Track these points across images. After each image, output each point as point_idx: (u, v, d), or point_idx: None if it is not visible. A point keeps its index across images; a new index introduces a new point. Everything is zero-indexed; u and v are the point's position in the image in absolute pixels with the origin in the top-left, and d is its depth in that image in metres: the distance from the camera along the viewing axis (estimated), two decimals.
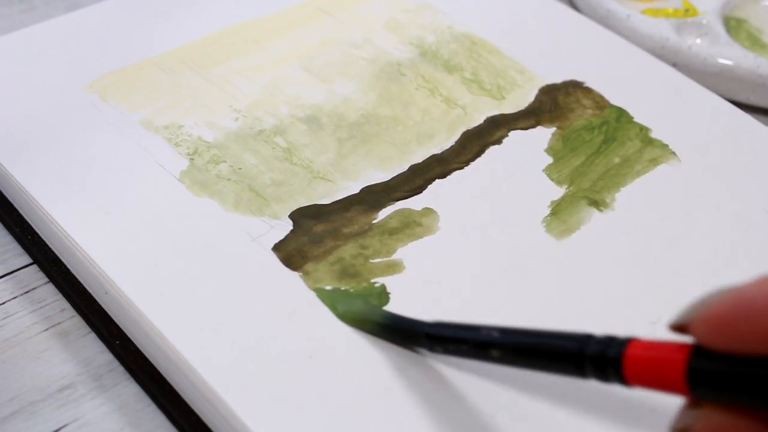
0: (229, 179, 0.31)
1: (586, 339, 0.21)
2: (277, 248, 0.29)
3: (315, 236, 0.29)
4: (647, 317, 0.28)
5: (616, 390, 0.26)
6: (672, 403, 0.21)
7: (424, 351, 0.26)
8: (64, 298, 0.30)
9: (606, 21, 0.41)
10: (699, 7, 0.43)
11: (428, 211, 0.31)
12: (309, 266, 0.28)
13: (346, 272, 0.28)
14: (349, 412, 0.25)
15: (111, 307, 0.28)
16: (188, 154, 0.32)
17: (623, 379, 0.20)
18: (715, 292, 0.20)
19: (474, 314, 0.27)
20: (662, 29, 0.40)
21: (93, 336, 0.29)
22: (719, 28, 0.40)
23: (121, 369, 0.28)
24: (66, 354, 0.28)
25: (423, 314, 0.26)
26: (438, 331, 0.25)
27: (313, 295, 0.27)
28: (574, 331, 0.22)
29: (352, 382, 0.25)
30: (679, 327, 0.21)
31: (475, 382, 0.26)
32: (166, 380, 0.27)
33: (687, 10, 0.43)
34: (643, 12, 0.42)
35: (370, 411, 0.25)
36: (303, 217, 0.30)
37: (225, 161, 0.31)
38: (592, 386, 0.26)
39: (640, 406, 0.25)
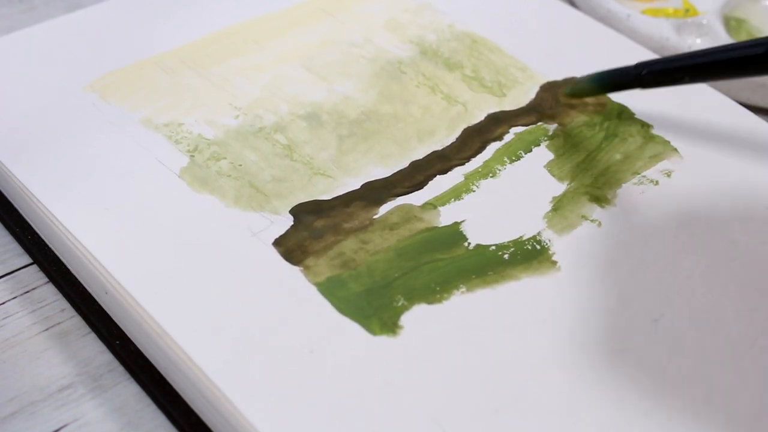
0: (229, 176, 0.31)
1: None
2: (278, 243, 0.29)
3: (315, 231, 0.29)
4: (649, 314, 0.28)
5: (615, 390, 0.26)
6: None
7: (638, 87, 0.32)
8: (64, 298, 0.30)
9: (606, 21, 0.41)
10: (699, 7, 0.43)
11: (429, 207, 0.31)
12: (310, 261, 0.28)
13: (347, 266, 0.28)
14: (351, 408, 0.24)
15: (111, 307, 0.28)
16: (188, 151, 0.32)
17: None
18: None
19: (472, 311, 0.27)
20: (662, 29, 0.40)
21: (93, 336, 0.28)
22: (719, 28, 0.40)
23: (121, 369, 0.28)
24: (66, 354, 0.28)
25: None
26: (648, 67, 0.31)
27: (314, 289, 0.27)
28: (756, 39, 0.28)
29: (353, 377, 0.25)
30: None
31: (476, 377, 0.26)
32: (166, 380, 0.26)
33: (687, 10, 0.43)
34: (643, 12, 0.42)
35: (371, 406, 0.25)
36: (303, 212, 0.30)
37: (225, 158, 0.31)
38: (591, 386, 0.26)
39: (637, 407, 0.25)
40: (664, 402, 0.25)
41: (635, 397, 0.25)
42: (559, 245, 0.30)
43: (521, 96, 0.35)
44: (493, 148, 0.33)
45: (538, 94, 0.36)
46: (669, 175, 0.33)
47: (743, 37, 0.42)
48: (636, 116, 0.35)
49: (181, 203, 0.30)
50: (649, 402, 0.25)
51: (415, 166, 0.32)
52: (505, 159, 0.33)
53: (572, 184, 0.32)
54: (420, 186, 0.31)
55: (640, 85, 0.32)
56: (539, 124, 0.34)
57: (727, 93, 0.37)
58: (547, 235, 0.30)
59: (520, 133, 0.34)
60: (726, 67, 0.29)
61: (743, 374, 0.26)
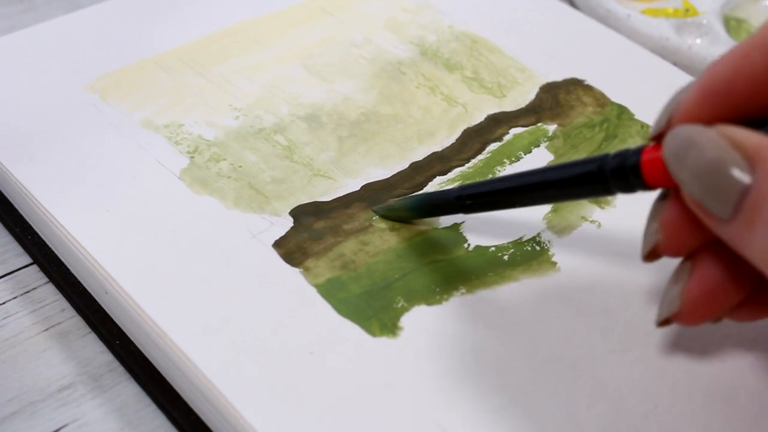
0: (229, 177, 0.31)
1: (603, 158, 0.24)
2: (278, 245, 0.29)
3: (315, 233, 0.29)
4: (648, 314, 0.28)
5: (614, 390, 0.26)
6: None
7: (460, 214, 0.29)
8: (64, 298, 0.30)
9: (606, 21, 0.41)
10: (699, 7, 0.43)
11: None
12: (310, 262, 0.28)
13: (347, 268, 0.28)
14: (351, 409, 0.25)
15: (111, 307, 0.28)
16: (188, 152, 0.32)
17: (645, 184, 0.23)
18: (676, 93, 0.23)
19: (472, 313, 0.27)
20: (662, 29, 0.40)
21: (93, 336, 0.28)
22: (719, 28, 0.40)
23: (121, 369, 0.28)
24: (66, 354, 0.28)
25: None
26: (465, 191, 0.27)
27: (314, 291, 0.27)
28: (588, 156, 0.25)
29: (353, 378, 0.25)
30: (657, 137, 0.23)
31: (476, 378, 0.26)
32: (166, 380, 0.27)
33: (687, 10, 0.43)
34: (643, 12, 0.42)
35: (371, 407, 0.25)
36: (303, 213, 0.30)
37: (225, 159, 0.31)
38: (591, 386, 0.26)
39: (637, 407, 0.25)
40: (664, 402, 0.25)
41: (635, 397, 0.26)
42: (558, 246, 0.30)
43: (521, 97, 0.35)
44: (492, 149, 0.33)
45: (537, 95, 0.36)
46: None
47: (743, 37, 0.42)
48: (636, 117, 0.35)
49: (181, 204, 0.30)
50: (649, 402, 0.25)
51: (415, 167, 0.32)
52: (505, 160, 0.33)
53: None
54: (420, 187, 0.31)
55: (464, 210, 0.28)
56: (539, 125, 0.34)
57: None
58: (547, 236, 0.30)
59: (520, 134, 0.34)
60: (554, 188, 0.25)
61: (743, 374, 0.26)
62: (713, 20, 0.41)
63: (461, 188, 0.28)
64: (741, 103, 0.21)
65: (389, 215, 0.30)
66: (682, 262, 0.24)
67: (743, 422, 0.25)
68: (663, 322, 0.24)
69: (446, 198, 0.28)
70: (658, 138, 0.23)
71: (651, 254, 0.24)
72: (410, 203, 0.29)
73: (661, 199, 0.24)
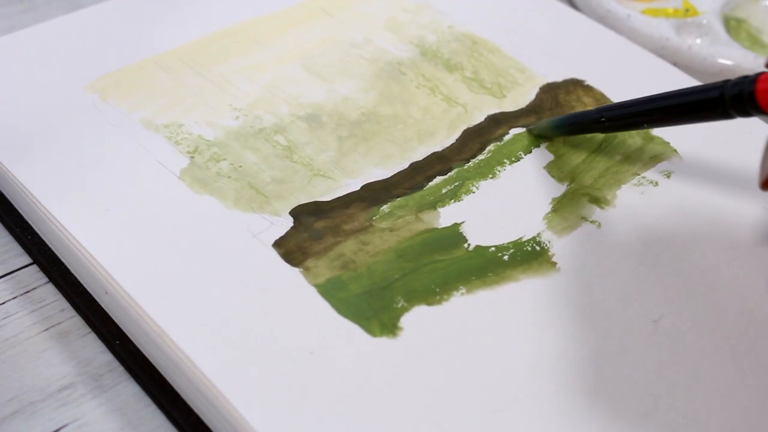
0: (229, 177, 0.31)
1: (723, 85, 0.27)
2: (278, 244, 0.29)
3: (315, 233, 0.29)
4: (649, 315, 0.28)
5: (614, 390, 0.26)
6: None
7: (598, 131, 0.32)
8: (64, 298, 0.30)
9: (606, 21, 0.41)
10: (699, 7, 0.43)
11: (428, 208, 0.30)
12: (310, 262, 0.28)
13: (347, 268, 0.28)
14: (351, 409, 0.24)
15: (111, 307, 0.28)
16: (188, 152, 0.32)
17: (761, 109, 0.26)
18: None
19: (472, 313, 0.27)
20: (662, 29, 0.40)
21: (93, 336, 0.28)
22: (719, 28, 0.41)
23: (121, 369, 0.28)
24: (66, 354, 0.28)
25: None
26: (603, 113, 0.31)
27: (314, 290, 0.27)
28: (710, 83, 0.28)
29: (353, 378, 0.25)
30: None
31: (476, 378, 0.26)
32: (166, 380, 0.27)
33: (687, 10, 0.43)
34: (643, 12, 0.42)
35: (371, 407, 0.25)
36: (303, 213, 0.30)
37: (225, 159, 0.31)
38: (590, 386, 0.26)
39: (637, 407, 0.25)
40: (663, 402, 0.25)
41: (635, 397, 0.26)
42: (558, 246, 0.30)
43: (521, 97, 0.35)
44: (492, 149, 0.33)
45: (537, 96, 0.36)
46: (669, 176, 0.33)
47: (743, 36, 0.42)
48: None
49: (181, 204, 0.30)
50: (648, 402, 0.25)
51: (415, 167, 0.32)
52: (505, 160, 0.33)
53: (572, 186, 0.32)
54: (420, 187, 0.31)
55: (602, 129, 0.32)
56: None
57: None
58: (547, 236, 0.30)
59: (520, 134, 0.34)
60: (680, 112, 0.29)
61: (743, 374, 0.26)
62: (713, 20, 0.41)
63: (600, 109, 0.32)
64: None
65: (542, 133, 0.33)
66: None
67: (743, 422, 0.25)
68: (764, 184, 0.26)
69: (587, 117, 0.32)
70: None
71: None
72: (557, 121, 0.33)
73: None
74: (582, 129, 0.33)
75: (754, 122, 0.35)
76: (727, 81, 0.27)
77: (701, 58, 0.39)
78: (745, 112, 0.26)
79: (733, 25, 0.43)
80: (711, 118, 0.28)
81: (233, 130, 0.33)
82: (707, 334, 0.27)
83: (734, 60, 0.39)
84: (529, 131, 0.33)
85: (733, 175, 0.33)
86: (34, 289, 0.30)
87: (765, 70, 0.26)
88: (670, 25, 0.40)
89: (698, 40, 0.40)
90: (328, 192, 0.31)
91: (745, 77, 0.26)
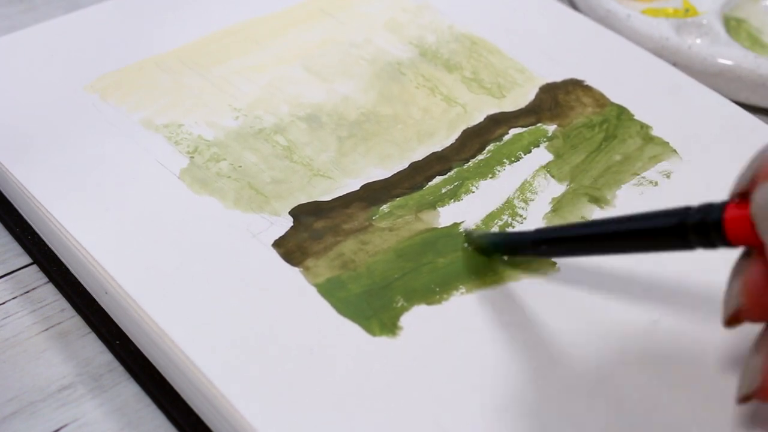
0: (229, 177, 0.31)
1: (684, 212, 0.22)
2: (278, 244, 0.29)
3: (315, 232, 0.29)
4: (648, 316, 0.28)
5: (615, 390, 0.26)
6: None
7: (535, 256, 0.28)
8: (64, 298, 0.30)
9: (606, 21, 0.41)
10: (699, 7, 0.43)
11: (428, 208, 0.30)
12: (309, 262, 0.28)
13: (347, 267, 0.28)
14: (350, 408, 0.25)
15: (111, 307, 0.28)
16: (188, 152, 0.32)
17: (728, 242, 0.21)
18: (759, 152, 0.21)
19: (472, 312, 0.27)
20: (662, 29, 0.40)
21: (93, 336, 0.28)
22: (719, 28, 0.40)
23: (121, 369, 0.28)
24: (66, 354, 0.28)
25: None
26: (541, 236, 0.27)
27: (313, 290, 0.27)
28: (670, 208, 0.23)
29: (353, 377, 0.25)
30: (740, 193, 0.21)
31: (476, 377, 0.26)
32: (166, 380, 0.27)
33: (687, 10, 0.43)
34: (643, 12, 0.42)
35: (371, 406, 0.25)
36: (303, 213, 0.30)
37: (225, 159, 0.31)
38: (590, 386, 0.26)
39: (637, 407, 0.25)
40: (663, 402, 0.25)
41: (635, 397, 0.26)
42: None
43: (520, 97, 0.35)
44: (492, 149, 0.33)
45: (537, 96, 0.36)
46: (668, 176, 0.33)
47: (743, 36, 0.42)
48: (635, 117, 0.35)
49: (181, 204, 0.30)
50: (648, 402, 0.25)
51: (415, 167, 0.32)
52: (505, 160, 0.33)
53: (572, 185, 0.32)
54: (419, 187, 0.31)
55: (539, 255, 0.28)
56: (538, 125, 0.34)
57: (726, 93, 0.37)
58: None
59: (520, 134, 0.34)
60: (632, 239, 0.24)
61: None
62: (713, 20, 0.41)
63: (537, 231, 0.27)
64: None
65: (473, 244, 0.29)
66: (766, 330, 0.22)
67: (743, 422, 0.25)
68: (743, 399, 0.23)
69: (523, 240, 0.28)
70: (742, 195, 0.22)
71: (732, 319, 0.22)
72: (492, 237, 0.29)
73: (744, 257, 0.22)
74: (517, 251, 0.28)
75: (754, 122, 0.36)
76: (688, 208, 0.23)
77: (701, 58, 0.39)
78: (709, 244, 0.22)
79: (733, 25, 0.42)
80: (667, 248, 0.23)
81: (233, 130, 0.33)
82: (707, 334, 0.27)
83: (734, 60, 0.39)
84: (466, 236, 0.29)
85: (732, 175, 0.33)
86: (34, 289, 0.30)
87: (728, 200, 0.22)
88: (670, 25, 0.40)
89: (698, 40, 0.40)
90: (327, 192, 0.31)
91: (710, 204, 0.22)
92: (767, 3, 0.44)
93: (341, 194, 0.31)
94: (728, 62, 0.39)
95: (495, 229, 0.30)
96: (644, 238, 0.24)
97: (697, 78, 0.38)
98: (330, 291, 0.27)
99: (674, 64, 0.39)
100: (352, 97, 0.35)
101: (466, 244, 0.29)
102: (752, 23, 0.43)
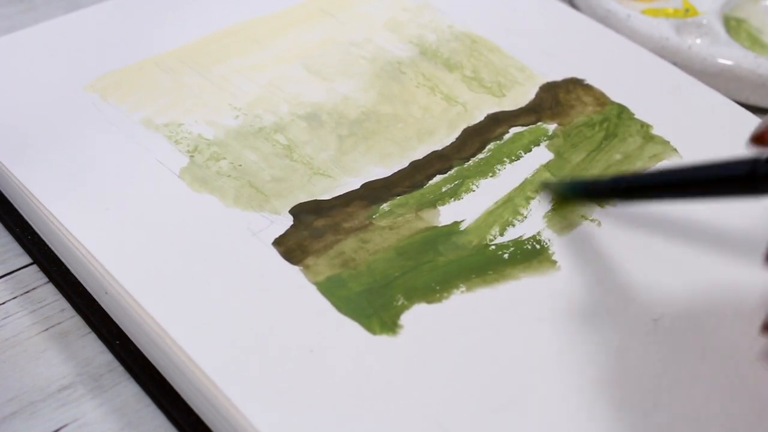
0: (229, 176, 0.31)
1: (755, 161, 0.23)
2: (278, 243, 0.29)
3: (315, 231, 0.29)
4: (649, 314, 0.28)
5: (615, 389, 0.25)
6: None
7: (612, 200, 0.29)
8: (64, 298, 0.29)
9: (606, 21, 0.41)
10: (699, 7, 0.43)
11: (428, 206, 0.30)
12: (310, 260, 0.28)
13: (347, 266, 0.28)
14: (351, 407, 0.24)
15: (111, 307, 0.28)
16: (188, 151, 0.32)
17: None
18: None
19: (472, 311, 0.27)
20: (662, 29, 0.40)
21: (93, 336, 0.28)
22: (719, 28, 0.41)
23: (121, 369, 0.28)
24: (66, 354, 0.28)
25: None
26: (618, 182, 0.28)
27: (314, 288, 0.27)
28: (738, 157, 0.24)
29: (353, 376, 0.25)
30: (758, 138, 0.22)
31: (476, 376, 0.26)
32: (166, 380, 0.26)
33: (687, 10, 0.43)
34: (643, 12, 0.42)
35: (371, 405, 0.25)
36: (303, 212, 0.30)
37: (225, 158, 0.31)
38: (590, 385, 0.26)
39: (637, 407, 0.25)
40: (663, 401, 0.25)
41: (635, 395, 0.25)
42: (558, 245, 0.30)
43: (521, 96, 0.35)
44: (492, 147, 0.33)
45: (537, 95, 0.36)
46: None
47: (743, 36, 0.42)
48: (636, 116, 0.35)
49: (181, 203, 0.30)
50: (648, 401, 0.25)
51: (415, 165, 0.32)
52: (505, 159, 0.33)
53: None
54: (420, 185, 0.31)
55: (618, 197, 0.29)
56: (539, 124, 0.34)
57: (726, 93, 0.37)
58: (547, 235, 0.30)
59: (520, 133, 0.34)
60: (704, 187, 0.26)
61: (743, 374, 0.26)
62: (713, 20, 0.41)
63: (615, 178, 0.29)
64: None
65: (552, 192, 0.31)
66: None
67: (743, 422, 0.25)
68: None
69: (601, 186, 0.29)
70: (758, 138, 0.22)
71: None
72: (569, 185, 0.31)
73: None
74: (595, 196, 0.30)
75: (754, 120, 0.35)
76: (758, 157, 0.23)
77: (701, 58, 0.39)
78: None
79: (733, 25, 0.43)
80: (736, 195, 0.25)
81: (233, 129, 0.33)
82: (707, 332, 0.27)
83: (734, 60, 0.39)
84: (544, 186, 0.31)
85: None
86: (34, 289, 0.30)
87: None
88: (670, 25, 0.40)
89: (698, 40, 0.40)
90: (328, 190, 0.31)
91: None
92: (767, 3, 0.44)
93: (341, 193, 0.31)
94: (728, 62, 0.39)
95: (495, 230, 0.30)
96: (717, 184, 0.25)
97: (697, 78, 0.38)
98: (330, 289, 0.27)
99: (674, 64, 0.39)
100: (352, 96, 0.35)
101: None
102: (752, 23, 0.43)
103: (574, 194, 0.31)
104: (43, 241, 0.30)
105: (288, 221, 0.29)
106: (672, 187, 0.27)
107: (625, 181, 0.28)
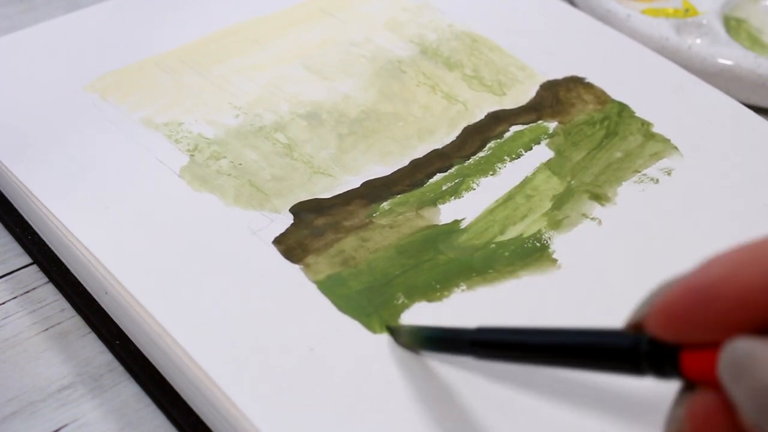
0: (229, 174, 0.31)
1: (638, 337, 0.20)
2: (278, 241, 0.29)
3: (316, 229, 0.29)
4: None
5: (615, 389, 0.25)
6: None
7: (471, 358, 0.24)
8: (64, 298, 0.29)
9: (606, 21, 0.41)
10: (699, 7, 0.43)
11: (429, 205, 0.30)
12: (310, 259, 0.28)
13: (347, 264, 0.28)
14: (351, 405, 0.24)
15: (111, 307, 0.28)
16: (188, 150, 0.32)
17: (682, 377, 0.19)
18: (662, 284, 0.20)
19: (472, 309, 0.27)
20: (662, 29, 0.40)
21: (93, 336, 0.28)
22: (719, 28, 0.40)
23: (121, 369, 0.28)
24: (66, 354, 0.28)
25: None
26: (482, 336, 0.24)
27: (314, 287, 0.27)
28: (620, 330, 0.21)
29: (353, 374, 0.25)
30: (634, 326, 0.20)
31: (476, 375, 0.25)
32: (166, 380, 0.26)
33: (687, 10, 0.43)
34: (643, 12, 0.42)
35: (372, 404, 0.24)
36: (303, 210, 0.30)
37: (225, 157, 0.31)
38: (590, 385, 0.25)
39: (636, 406, 0.25)
40: (663, 402, 0.25)
41: (636, 395, 0.25)
42: (559, 243, 0.29)
43: (521, 95, 0.35)
44: (493, 146, 0.33)
45: (538, 93, 0.36)
46: (669, 174, 0.33)
47: (743, 36, 0.42)
48: (636, 114, 0.35)
49: (181, 202, 0.30)
50: (648, 402, 0.25)
51: (416, 164, 0.32)
52: (506, 157, 0.33)
53: (573, 183, 0.32)
54: (420, 184, 0.31)
55: (474, 354, 0.24)
56: (539, 122, 0.34)
57: (726, 93, 0.37)
58: (548, 233, 0.30)
59: (521, 132, 0.34)
60: (579, 358, 0.22)
61: None
62: (713, 20, 0.41)
63: (479, 330, 0.24)
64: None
65: (398, 339, 0.26)
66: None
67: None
68: None
69: (461, 338, 0.24)
70: (636, 327, 0.20)
71: None
72: (423, 333, 0.26)
73: (688, 389, 0.20)
74: (450, 349, 0.25)
75: (755, 119, 0.35)
76: (641, 335, 0.20)
77: (701, 58, 0.39)
78: (661, 374, 0.20)
79: (733, 25, 0.42)
80: (613, 370, 0.21)
81: (233, 128, 0.33)
82: None
83: (734, 60, 0.39)
84: (391, 332, 0.26)
85: (733, 172, 0.33)
86: (34, 289, 0.30)
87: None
88: (670, 25, 0.40)
89: (698, 40, 0.40)
90: (328, 189, 0.31)
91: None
92: (767, 3, 0.44)
93: (342, 191, 0.31)
94: (728, 62, 0.39)
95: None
96: (592, 356, 0.21)
97: (697, 77, 0.38)
98: (330, 288, 0.27)
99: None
100: (352, 94, 0.35)
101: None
102: (752, 23, 0.43)
103: (426, 345, 0.26)
104: (43, 241, 0.30)
105: (288, 220, 0.29)
106: (538, 352, 0.22)
107: (486, 338, 0.24)
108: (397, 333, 0.26)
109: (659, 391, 0.22)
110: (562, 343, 0.22)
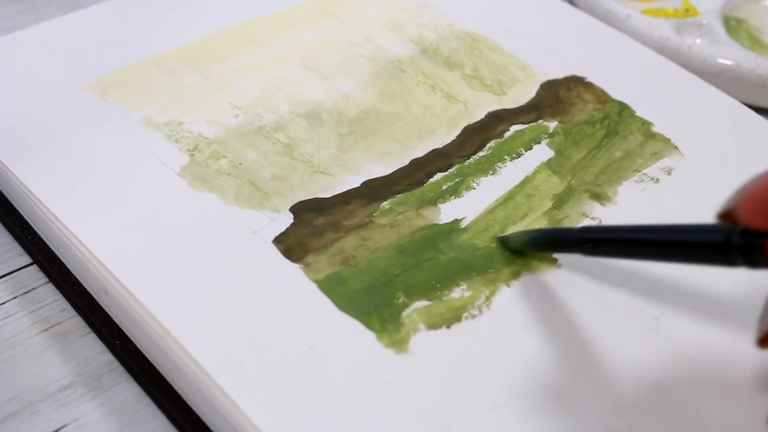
0: (229, 174, 0.31)
1: (730, 230, 0.22)
2: (278, 241, 0.29)
3: (316, 229, 0.29)
4: (650, 312, 0.28)
5: (615, 389, 0.25)
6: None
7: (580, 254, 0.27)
8: (64, 298, 0.29)
9: (606, 21, 0.41)
10: (699, 7, 0.43)
11: (429, 204, 0.30)
12: (310, 258, 0.28)
13: (347, 264, 0.28)
14: (351, 406, 0.24)
15: (111, 307, 0.28)
16: (188, 150, 0.32)
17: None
18: (752, 175, 0.21)
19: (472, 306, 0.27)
20: (662, 29, 0.40)
21: (93, 336, 0.28)
22: (719, 28, 0.41)
23: (121, 369, 0.28)
24: (66, 354, 0.28)
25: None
26: (587, 234, 0.26)
27: (314, 286, 0.27)
28: (715, 224, 0.23)
29: (353, 374, 0.25)
30: (725, 215, 0.21)
31: (477, 374, 0.25)
32: (166, 380, 0.26)
33: (687, 10, 0.43)
34: (643, 12, 0.42)
35: (371, 404, 0.24)
36: (304, 210, 0.30)
37: (225, 157, 0.31)
38: (590, 384, 0.25)
39: (637, 406, 0.25)
40: (664, 400, 0.25)
41: (636, 395, 0.25)
42: None
43: (521, 94, 0.35)
44: (493, 145, 0.33)
45: (538, 92, 0.36)
46: (670, 173, 0.33)
47: (743, 36, 0.42)
48: (637, 114, 0.35)
49: (181, 202, 0.30)
50: (649, 401, 0.25)
51: (416, 163, 0.32)
52: (506, 156, 0.33)
53: (573, 182, 0.32)
54: (420, 184, 0.31)
55: (582, 251, 0.27)
56: (539, 121, 0.34)
57: (726, 93, 0.37)
58: None
59: (521, 131, 0.34)
60: (676, 251, 0.24)
61: (744, 374, 0.26)
62: (713, 20, 0.41)
63: (583, 229, 0.26)
64: None
65: (508, 246, 0.29)
66: None
67: (743, 422, 0.25)
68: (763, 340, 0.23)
69: (567, 237, 0.27)
70: (727, 215, 0.21)
71: (766, 339, 0.23)
72: (529, 237, 0.28)
73: None
74: (558, 248, 0.28)
75: (755, 118, 0.35)
76: (734, 226, 0.22)
77: (701, 58, 0.39)
78: (752, 264, 0.22)
79: (733, 25, 0.43)
80: (708, 262, 0.23)
81: (233, 127, 0.33)
82: (708, 330, 0.27)
83: (734, 60, 0.39)
84: (500, 242, 0.29)
85: (734, 172, 0.33)
86: (34, 289, 0.30)
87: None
88: (670, 25, 0.40)
89: (698, 40, 0.40)
90: (328, 189, 0.31)
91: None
92: (767, 3, 0.44)
93: (342, 191, 0.31)
94: (728, 62, 0.39)
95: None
96: (688, 249, 0.23)
97: (697, 77, 0.38)
98: (330, 287, 0.27)
99: None
100: (352, 94, 0.35)
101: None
102: (752, 23, 0.43)
103: (536, 246, 0.28)
104: (43, 241, 0.30)
105: (288, 219, 0.29)
106: (640, 246, 0.25)
107: (593, 236, 0.26)
108: (506, 241, 0.29)
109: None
110: (659, 240, 0.24)
